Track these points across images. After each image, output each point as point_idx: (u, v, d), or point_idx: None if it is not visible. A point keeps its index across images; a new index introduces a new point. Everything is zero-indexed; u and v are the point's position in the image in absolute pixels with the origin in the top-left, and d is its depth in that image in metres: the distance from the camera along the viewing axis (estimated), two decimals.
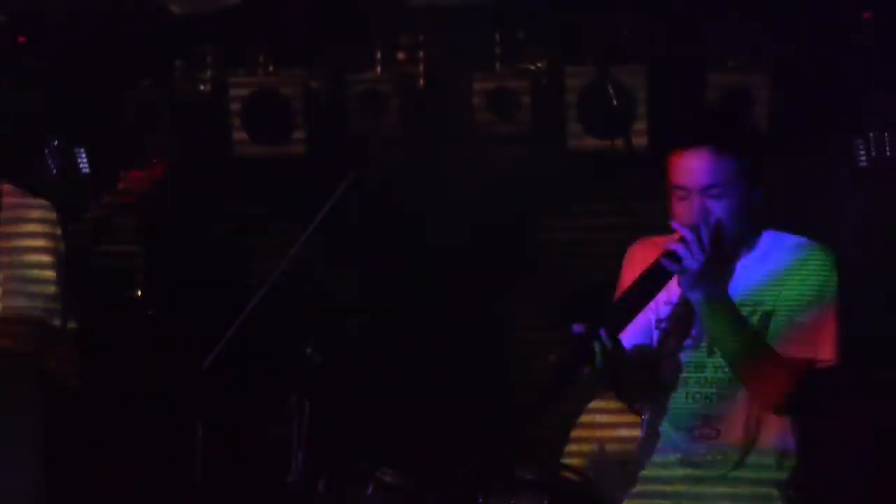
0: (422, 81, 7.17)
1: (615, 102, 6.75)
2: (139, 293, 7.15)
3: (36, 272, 3.64)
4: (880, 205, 6.64)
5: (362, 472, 5.53)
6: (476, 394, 6.84)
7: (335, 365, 5.22)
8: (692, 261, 3.34)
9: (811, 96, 6.67)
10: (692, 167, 3.44)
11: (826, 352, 3.40)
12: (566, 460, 5.98)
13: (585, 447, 6.04)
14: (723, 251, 3.42)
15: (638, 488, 3.64)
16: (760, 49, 6.77)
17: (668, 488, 3.54)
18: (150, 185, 5.54)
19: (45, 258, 3.66)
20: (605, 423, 6.03)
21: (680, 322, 3.54)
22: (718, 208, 3.43)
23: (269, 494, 5.87)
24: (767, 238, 3.54)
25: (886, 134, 6.66)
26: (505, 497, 5.37)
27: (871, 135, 6.69)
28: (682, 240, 3.36)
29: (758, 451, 3.46)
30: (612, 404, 6.01)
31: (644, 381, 3.57)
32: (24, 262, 3.63)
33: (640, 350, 3.55)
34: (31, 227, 3.67)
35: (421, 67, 7.16)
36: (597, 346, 3.29)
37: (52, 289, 3.66)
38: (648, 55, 6.89)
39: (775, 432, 3.47)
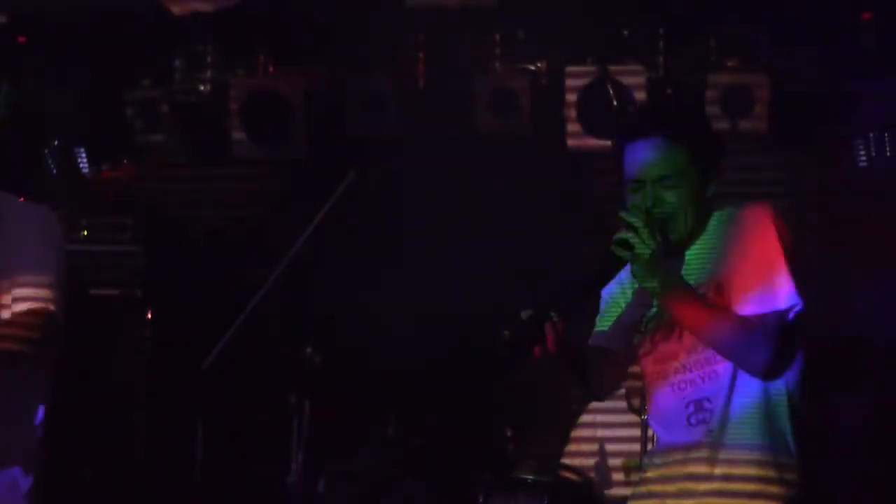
0: (422, 81, 7.17)
1: (615, 102, 6.75)
2: (139, 293, 7.15)
3: (32, 278, 3.66)
4: (880, 205, 6.64)
5: (363, 472, 5.54)
6: (476, 394, 6.84)
7: (335, 365, 5.23)
8: (642, 248, 3.36)
9: (811, 96, 6.68)
10: (644, 158, 3.47)
11: (786, 300, 3.40)
12: (566, 460, 5.99)
13: (585, 447, 6.04)
14: (673, 239, 3.45)
15: (642, 489, 3.65)
16: (760, 49, 6.77)
17: (671, 487, 3.55)
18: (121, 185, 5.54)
19: (42, 264, 3.68)
20: (605, 423, 6.04)
21: (654, 320, 3.56)
22: (670, 197, 3.45)
23: (269, 494, 5.87)
24: (714, 217, 3.55)
25: (886, 134, 6.66)
26: (505, 497, 5.38)
27: (871, 135, 6.69)
28: (633, 228, 3.37)
29: (742, 426, 3.46)
30: (612, 404, 6.01)
31: (613, 373, 3.60)
32: (29, 266, 3.65)
33: (610, 342, 3.59)
34: (31, 233, 3.69)
35: (421, 67, 7.16)
36: (547, 329, 3.30)
37: (55, 285, 3.68)
38: (648, 55, 6.90)
39: (763, 396, 3.47)
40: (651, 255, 3.36)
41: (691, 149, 3.47)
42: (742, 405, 3.46)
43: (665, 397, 3.53)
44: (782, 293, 3.40)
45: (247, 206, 7.47)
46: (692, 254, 3.53)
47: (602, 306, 3.67)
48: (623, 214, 3.42)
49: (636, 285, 3.53)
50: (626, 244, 3.38)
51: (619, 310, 3.62)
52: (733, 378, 3.46)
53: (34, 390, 3.72)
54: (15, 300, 3.62)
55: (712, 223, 3.53)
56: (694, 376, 3.49)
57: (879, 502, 6.29)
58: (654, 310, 3.55)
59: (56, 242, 3.73)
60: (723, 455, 3.46)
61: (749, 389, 3.46)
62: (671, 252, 3.45)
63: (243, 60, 7.23)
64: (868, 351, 6.44)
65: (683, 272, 3.48)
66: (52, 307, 3.64)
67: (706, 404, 3.47)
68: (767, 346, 3.39)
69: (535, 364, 3.38)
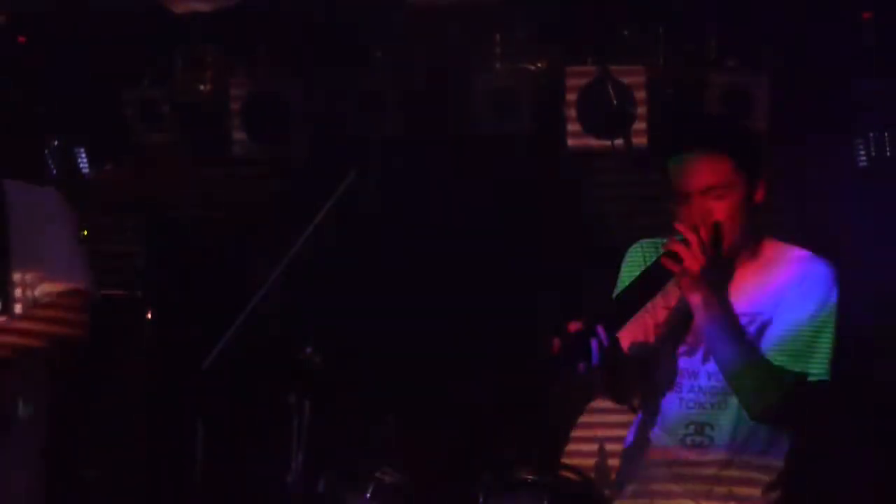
0: (422, 81, 7.17)
1: (615, 102, 6.75)
2: (139, 293, 7.15)
3: (58, 257, 3.68)
4: (880, 205, 6.64)
5: (362, 472, 5.53)
6: (477, 394, 6.84)
7: (335, 365, 5.22)
8: (693, 261, 3.34)
9: (811, 96, 6.67)
10: (690, 171, 3.46)
11: (817, 367, 3.41)
12: (566, 460, 5.98)
13: (585, 447, 6.04)
14: (723, 254, 3.42)
15: (627, 488, 3.65)
16: (760, 49, 6.77)
17: (657, 487, 3.54)
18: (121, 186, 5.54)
19: (66, 240, 3.70)
20: (605, 423, 6.03)
21: (676, 327, 3.54)
22: (719, 209, 3.43)
23: (269, 494, 5.87)
24: (768, 247, 3.54)
25: (886, 134, 6.66)
26: (505, 497, 5.38)
27: (871, 135, 6.69)
28: (684, 240, 3.35)
29: (746, 457, 3.46)
30: (612, 404, 6.01)
31: (640, 383, 3.57)
32: (49, 255, 3.67)
33: (638, 351, 3.55)
34: (44, 214, 3.71)
35: (421, 67, 7.16)
36: (593, 343, 3.28)
37: (75, 259, 3.70)
38: (648, 55, 6.89)
39: (763, 440, 3.47)
40: (699, 270, 3.34)
41: (735, 157, 3.46)
42: (747, 431, 3.45)
43: (671, 407, 3.52)
44: (817, 360, 3.42)
45: (247, 206, 7.47)
46: (743, 277, 3.51)
47: (624, 280, 3.62)
48: (677, 226, 3.39)
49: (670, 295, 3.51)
50: (675, 257, 3.36)
51: (650, 317, 3.59)
52: (739, 412, 3.45)
53: (41, 389, 3.74)
54: (46, 280, 3.63)
55: (770, 253, 3.53)
56: (706, 401, 3.48)
57: (880, 502, 6.29)
58: (680, 315, 3.52)
59: (73, 225, 3.75)
60: (728, 474, 3.46)
61: (752, 425, 3.45)
62: (719, 266, 3.43)
63: (243, 60, 7.23)
64: (868, 351, 6.44)
65: (730, 294, 3.46)
66: (88, 285, 3.65)
67: (707, 430, 3.48)
68: (775, 399, 3.40)
69: (577, 378, 3.35)
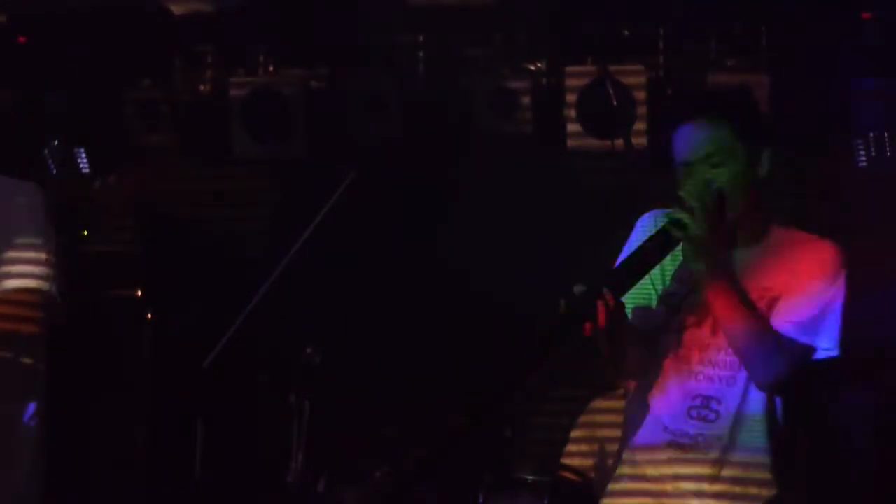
0: (422, 81, 7.17)
1: (615, 102, 6.75)
2: (139, 293, 7.15)
3: (20, 254, 3.62)
4: (880, 205, 6.64)
5: (362, 472, 5.54)
6: (477, 394, 6.83)
7: (335, 365, 5.22)
8: (696, 228, 3.36)
9: (811, 96, 6.67)
10: (689, 140, 3.48)
11: (825, 342, 3.42)
12: (566, 460, 5.98)
13: (585, 447, 6.04)
14: (727, 222, 3.44)
15: (622, 470, 3.65)
16: (760, 49, 6.77)
17: (653, 471, 3.54)
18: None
19: (33, 237, 3.64)
20: (605, 423, 6.03)
21: (686, 299, 3.55)
22: (720, 175, 3.45)
23: (269, 494, 5.87)
24: (776, 231, 3.56)
25: (886, 134, 6.66)
26: (505, 497, 5.38)
27: (871, 135, 6.69)
28: (687, 208, 3.37)
29: (750, 437, 3.47)
30: (613, 404, 6.01)
31: (642, 356, 3.58)
32: (15, 244, 3.61)
33: (643, 318, 3.56)
34: (17, 209, 3.65)
35: (421, 67, 7.16)
36: (599, 305, 3.29)
37: (38, 258, 3.63)
38: (648, 55, 6.89)
39: (770, 418, 3.48)
40: (704, 237, 3.36)
41: (735, 125, 3.47)
42: (753, 412, 3.46)
43: (677, 379, 3.52)
44: (824, 334, 3.42)
45: (247, 206, 7.47)
46: (751, 257, 3.52)
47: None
48: (680, 194, 3.40)
49: (676, 265, 3.53)
50: (679, 224, 3.37)
51: (653, 289, 3.59)
52: (748, 386, 3.46)
53: (27, 381, 3.71)
54: (3, 278, 3.58)
55: (778, 236, 3.54)
56: (714, 374, 3.49)
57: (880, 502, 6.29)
58: (687, 287, 3.53)
59: (46, 218, 3.69)
60: (733, 458, 3.46)
61: (760, 398, 3.46)
62: (725, 237, 3.44)
63: (243, 60, 7.23)
64: (868, 351, 6.44)
65: (739, 272, 3.46)
66: (45, 285, 3.60)
67: (713, 404, 3.47)
68: (784, 368, 3.40)
69: (584, 340, 3.36)
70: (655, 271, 3.54)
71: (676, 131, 3.51)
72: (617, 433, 5.83)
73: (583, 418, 6.18)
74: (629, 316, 3.50)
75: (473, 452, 6.05)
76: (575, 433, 6.17)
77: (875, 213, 6.60)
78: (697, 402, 3.49)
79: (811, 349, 3.42)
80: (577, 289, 3.33)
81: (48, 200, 3.74)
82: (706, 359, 3.50)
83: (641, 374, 3.63)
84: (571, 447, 6.14)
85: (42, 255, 3.62)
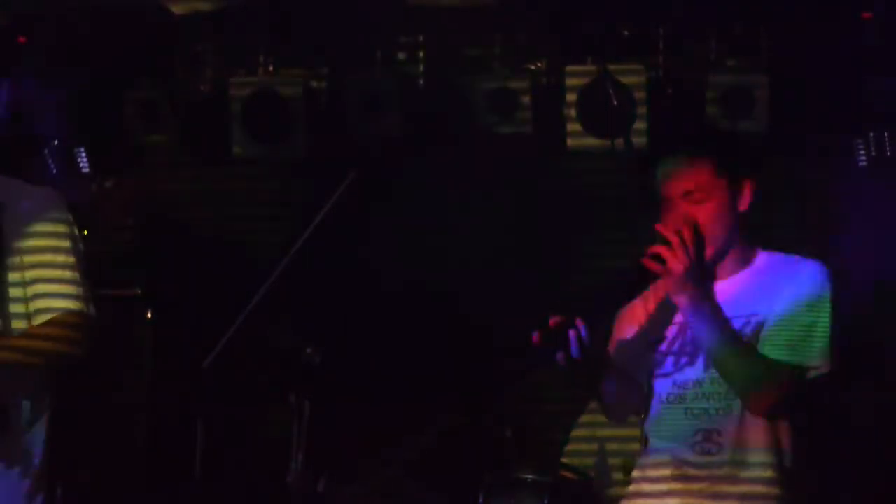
0: (422, 81, 7.17)
1: (615, 102, 6.75)
2: (139, 293, 7.15)
3: (60, 272, 3.63)
4: (880, 205, 6.64)
5: (362, 472, 5.54)
6: (477, 394, 6.84)
7: (335, 365, 5.22)
8: (675, 262, 3.37)
9: (811, 96, 6.67)
10: (671, 175, 3.51)
11: (815, 360, 3.42)
12: (566, 460, 5.98)
13: (585, 447, 6.04)
14: (706, 257, 3.46)
15: (631, 489, 3.66)
16: (760, 49, 6.77)
17: (661, 487, 3.55)
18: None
19: (65, 255, 3.65)
20: (605, 423, 6.03)
21: (675, 342, 3.56)
22: (700, 213, 3.47)
23: (269, 494, 5.87)
24: (761, 256, 3.58)
25: (886, 134, 6.66)
26: (505, 497, 5.38)
27: (871, 135, 6.69)
28: (667, 243, 3.39)
29: (753, 456, 3.47)
30: None
31: (626, 389, 3.61)
32: (48, 262, 3.62)
33: (628, 358, 3.60)
34: (45, 221, 3.65)
35: (421, 67, 7.16)
36: (572, 335, 3.34)
37: (77, 278, 3.65)
38: (648, 55, 6.89)
39: (771, 439, 3.48)
40: (683, 271, 3.38)
41: (715, 161, 3.50)
42: (753, 438, 3.46)
43: (677, 420, 3.53)
44: (814, 353, 3.43)
45: (247, 206, 7.47)
46: (736, 283, 3.54)
47: (621, 317, 3.68)
48: (658, 227, 3.43)
49: (658, 300, 3.55)
50: (659, 258, 3.39)
51: (638, 324, 3.63)
52: (744, 413, 3.46)
53: (45, 396, 3.72)
54: (40, 300, 3.59)
55: (763, 260, 3.56)
56: (710, 406, 3.50)
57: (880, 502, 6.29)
58: (677, 328, 3.56)
59: (72, 231, 3.70)
60: (736, 487, 3.46)
61: (759, 423, 3.46)
62: (704, 271, 3.47)
63: (243, 60, 7.23)
64: (869, 351, 6.44)
65: (721, 300, 3.49)
66: (86, 307, 3.62)
67: (715, 436, 3.49)
68: (776, 392, 3.42)
69: (557, 370, 3.40)
70: (642, 315, 3.62)
71: (658, 166, 3.55)
72: (617, 433, 5.86)
73: (583, 418, 6.18)
74: (614, 353, 3.58)
75: (473, 452, 6.05)
76: (575, 433, 6.18)
77: (875, 213, 6.60)
78: (699, 437, 3.50)
79: (801, 370, 3.42)
80: (552, 320, 3.39)
81: (65, 204, 3.74)
82: (701, 394, 3.51)
83: (622, 409, 3.69)
84: (571, 447, 6.14)
85: (77, 272, 3.63)
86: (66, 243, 3.65)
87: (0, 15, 6.88)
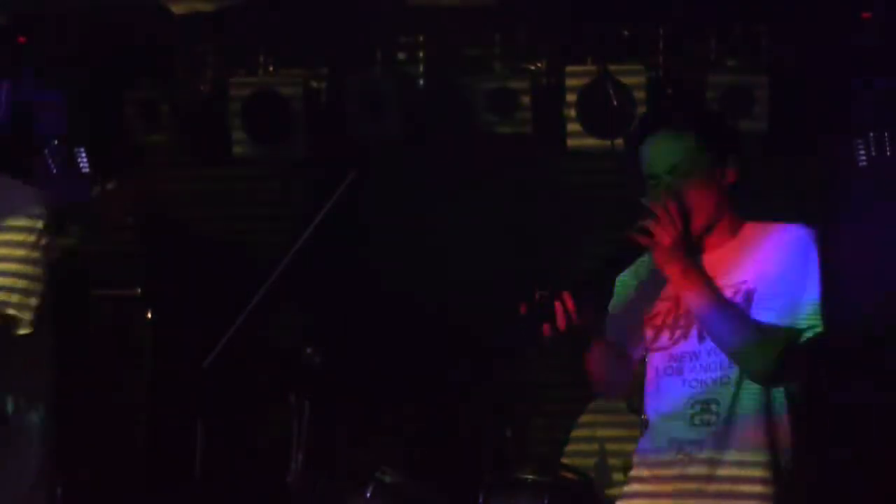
0: (422, 81, 7.17)
1: (615, 102, 6.75)
2: (139, 293, 7.15)
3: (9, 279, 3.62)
4: (880, 205, 6.64)
5: (362, 472, 5.53)
6: (477, 394, 6.84)
7: (335, 365, 5.22)
8: (663, 234, 3.42)
9: (811, 96, 6.68)
10: (655, 153, 3.56)
11: (808, 320, 3.44)
12: (566, 460, 5.98)
13: (585, 447, 6.04)
14: (694, 229, 3.50)
15: (632, 472, 3.67)
16: (760, 49, 6.77)
17: (663, 472, 3.56)
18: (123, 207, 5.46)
19: (22, 260, 3.64)
20: (605, 423, 6.03)
21: (669, 315, 3.59)
22: (684, 186, 3.51)
23: (269, 494, 5.87)
24: (748, 227, 3.61)
25: (886, 134, 6.66)
26: (505, 497, 5.38)
27: (871, 135, 6.69)
28: (653, 216, 3.44)
29: (744, 431, 3.48)
30: (613, 404, 6.01)
31: (615, 367, 3.65)
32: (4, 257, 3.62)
33: (623, 332, 3.65)
34: (9, 219, 3.65)
35: (421, 67, 7.16)
36: (557, 307, 3.39)
37: (12, 283, 3.63)
38: (648, 55, 6.90)
39: (766, 406, 3.49)
40: (671, 243, 3.42)
41: (698, 136, 3.55)
42: (747, 409, 3.48)
43: (674, 392, 3.55)
44: (805, 312, 3.45)
45: (247, 206, 7.47)
46: (724, 253, 3.57)
47: (614, 293, 3.72)
48: (644, 201, 3.46)
49: (650, 274, 3.58)
50: (647, 232, 3.43)
51: (630, 298, 3.67)
52: (740, 382, 3.48)
53: (41, 386, 3.72)
54: None
55: (750, 230, 3.59)
56: (708, 377, 3.52)
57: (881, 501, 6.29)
58: (670, 302, 3.58)
59: (32, 230, 3.67)
60: (727, 457, 3.48)
61: (754, 394, 3.48)
62: (692, 243, 3.51)
63: (243, 60, 7.23)
64: (870, 351, 6.44)
65: (711, 271, 3.52)
66: (9, 310, 3.60)
67: (713, 406, 3.51)
68: (773, 356, 3.43)
69: (544, 342, 3.42)
70: (633, 283, 3.66)
71: (642, 143, 3.59)
72: (617, 433, 5.86)
73: (583, 418, 6.18)
74: (607, 327, 3.61)
75: (473, 452, 6.05)
76: (575, 433, 6.18)
77: (875, 213, 6.60)
78: (697, 408, 3.52)
79: (795, 332, 3.44)
80: (539, 294, 3.43)
81: (43, 208, 3.72)
82: (697, 366, 3.54)
83: (611, 386, 3.71)
84: (571, 447, 6.14)
85: (15, 282, 3.61)
86: (19, 252, 3.63)
87: (0, 15, 6.88)
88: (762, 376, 3.46)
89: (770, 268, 3.49)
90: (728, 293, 3.49)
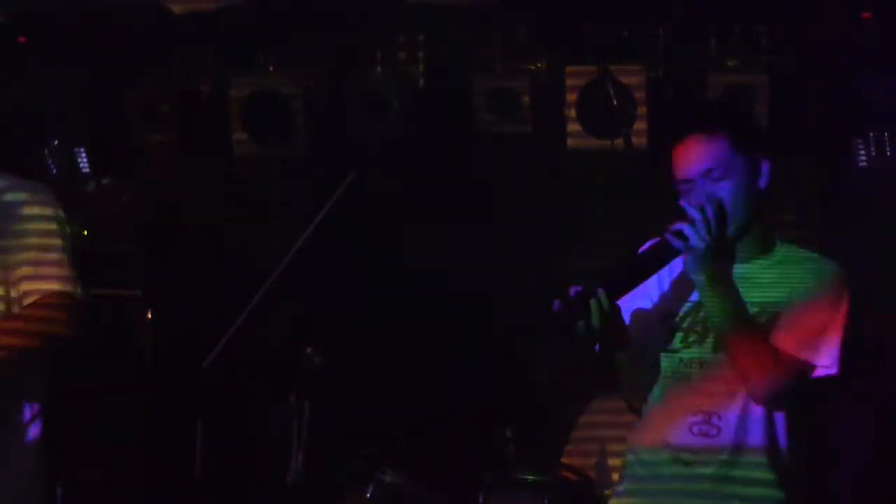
0: (422, 81, 7.17)
1: (615, 102, 6.75)
2: (139, 293, 7.15)
3: (45, 255, 3.64)
4: (880, 204, 6.65)
5: (362, 472, 5.53)
6: (477, 394, 6.84)
7: (335, 365, 5.22)
8: (697, 240, 3.38)
9: (811, 96, 6.68)
10: (689, 156, 3.51)
11: (824, 359, 3.42)
12: (566, 460, 5.98)
13: (585, 447, 6.04)
14: (727, 233, 3.47)
15: (625, 485, 3.66)
16: (760, 49, 6.77)
17: (657, 486, 3.55)
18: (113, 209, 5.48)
19: (51, 237, 3.66)
20: (605, 423, 6.03)
21: (687, 318, 3.57)
22: (721, 191, 3.46)
23: (269, 494, 5.87)
24: (780, 248, 3.58)
25: (886, 134, 6.66)
26: (505, 497, 5.38)
27: (871, 134, 6.69)
28: (689, 219, 3.40)
29: (751, 451, 3.47)
30: (612, 404, 6.01)
31: (639, 368, 3.60)
32: (34, 245, 3.63)
33: (638, 329, 3.60)
34: (31, 208, 3.66)
35: (421, 67, 7.16)
36: (592, 304, 3.35)
37: (63, 259, 3.66)
38: (648, 55, 6.89)
39: (770, 432, 3.48)
40: (705, 249, 3.39)
41: (733, 139, 3.50)
42: (753, 426, 3.46)
43: (679, 397, 3.53)
44: (824, 352, 3.43)
45: (247, 206, 7.47)
46: (754, 272, 3.54)
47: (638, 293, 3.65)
48: (682, 205, 3.43)
49: (677, 275, 3.55)
50: (681, 235, 3.40)
51: (651, 299, 3.63)
52: (748, 400, 3.46)
53: (40, 385, 3.72)
54: (32, 280, 3.60)
55: (782, 252, 3.56)
56: (715, 389, 3.50)
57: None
58: (690, 306, 3.56)
59: (59, 222, 3.70)
60: (733, 473, 3.46)
61: (759, 414, 3.46)
62: (726, 250, 3.47)
63: (243, 60, 7.23)
64: (869, 351, 6.44)
65: (740, 285, 3.48)
66: (72, 288, 3.63)
67: (714, 419, 3.48)
68: (781, 382, 3.41)
69: (577, 340, 3.38)
70: (655, 289, 3.61)
71: (675, 148, 3.54)
72: (617, 433, 5.85)
73: (583, 418, 6.18)
74: (627, 324, 3.55)
75: (473, 452, 6.05)
76: (575, 433, 6.18)
77: (875, 213, 6.61)
78: (698, 417, 3.49)
79: (809, 366, 3.42)
80: (573, 289, 3.38)
81: (57, 200, 3.75)
82: (707, 375, 3.51)
83: (633, 387, 3.66)
84: (571, 447, 6.14)
85: (63, 256, 3.65)
86: (52, 226, 3.67)
87: (0, 15, 6.88)
88: (766, 400, 3.44)
89: (800, 297, 3.46)
90: (752, 311, 3.46)
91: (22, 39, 7.03)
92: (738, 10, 6.74)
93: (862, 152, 6.73)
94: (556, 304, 3.38)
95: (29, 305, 3.60)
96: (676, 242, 3.41)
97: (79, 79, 7.10)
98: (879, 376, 6.51)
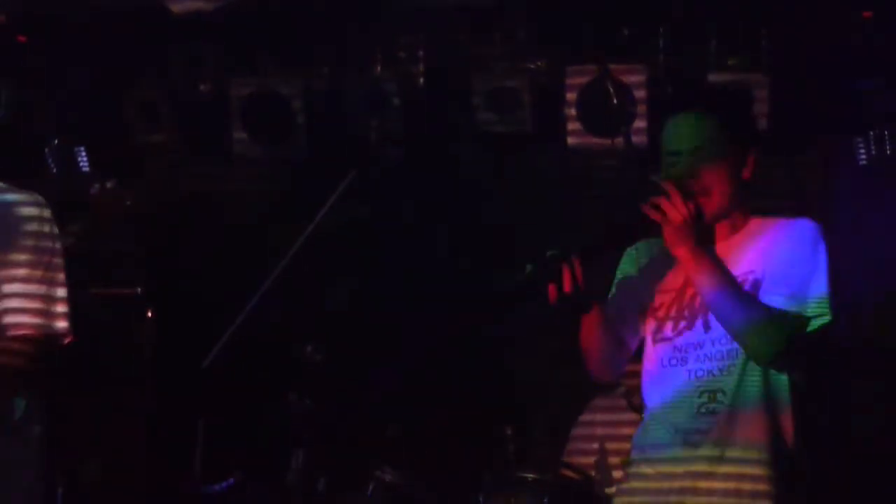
0: (422, 81, 7.17)
1: (615, 102, 6.75)
2: (139, 292, 7.15)
3: (34, 287, 3.58)
4: (881, 203, 6.65)
5: (362, 472, 5.54)
6: (477, 394, 6.84)
7: (335, 364, 5.23)
8: (674, 212, 3.41)
9: (811, 96, 6.68)
10: (680, 130, 3.55)
11: (815, 309, 3.45)
12: (567, 459, 5.99)
13: (585, 446, 6.04)
14: (707, 214, 3.50)
15: (633, 469, 3.67)
16: (760, 49, 6.77)
17: (664, 469, 3.55)
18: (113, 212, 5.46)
19: (42, 269, 3.60)
20: (605, 423, 6.03)
21: (672, 307, 3.58)
22: (705, 168, 3.50)
23: (269, 494, 5.87)
24: (754, 221, 3.61)
25: (886, 133, 6.66)
26: (505, 497, 5.38)
27: (872, 133, 6.70)
28: (667, 193, 3.43)
29: (746, 425, 3.48)
30: (612, 403, 6.01)
31: (614, 349, 3.64)
32: (22, 277, 3.58)
33: (615, 315, 3.63)
34: (23, 229, 3.60)
35: (421, 67, 7.16)
36: (565, 270, 3.40)
37: (49, 292, 3.60)
38: (648, 55, 6.89)
39: (767, 401, 3.49)
40: (682, 222, 3.40)
41: (726, 123, 3.54)
42: (751, 397, 3.47)
43: (679, 382, 3.54)
44: (814, 300, 3.45)
45: (247, 206, 7.47)
46: (731, 247, 3.57)
47: (617, 272, 3.72)
48: (656, 178, 3.45)
49: (651, 262, 3.57)
50: (659, 208, 3.42)
51: (630, 284, 3.66)
52: (744, 371, 3.47)
53: (40, 386, 3.71)
54: (10, 312, 3.55)
55: (753, 227, 3.59)
56: (714, 366, 3.51)
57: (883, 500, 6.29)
58: (674, 294, 3.57)
59: (49, 235, 3.65)
60: (730, 454, 3.47)
61: (758, 383, 3.47)
62: (703, 227, 3.49)
63: (243, 60, 7.23)
64: (869, 351, 6.44)
65: (720, 262, 3.51)
66: (51, 323, 3.59)
67: (719, 395, 3.50)
68: (781, 339, 3.42)
69: (548, 305, 3.40)
70: (634, 266, 3.66)
71: (669, 121, 3.58)
72: (617, 432, 5.85)
73: (583, 417, 6.18)
74: (607, 304, 3.61)
75: (473, 452, 6.05)
76: (575, 432, 6.18)
77: (876, 212, 6.61)
78: (704, 398, 3.51)
79: (803, 318, 3.44)
80: (549, 252, 3.43)
81: (50, 213, 3.69)
82: (702, 355, 3.53)
83: (604, 367, 3.68)
84: (572, 446, 6.14)
85: (51, 290, 3.60)
86: (44, 257, 3.60)
87: (0, 15, 6.88)
88: (768, 358, 3.45)
89: (777, 257, 3.49)
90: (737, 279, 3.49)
91: (22, 39, 7.03)
92: (738, 10, 6.74)
93: (862, 152, 6.73)
94: (529, 267, 3.42)
95: (5, 340, 3.55)
96: (654, 215, 3.44)
97: (79, 79, 7.10)
98: (880, 376, 6.52)
